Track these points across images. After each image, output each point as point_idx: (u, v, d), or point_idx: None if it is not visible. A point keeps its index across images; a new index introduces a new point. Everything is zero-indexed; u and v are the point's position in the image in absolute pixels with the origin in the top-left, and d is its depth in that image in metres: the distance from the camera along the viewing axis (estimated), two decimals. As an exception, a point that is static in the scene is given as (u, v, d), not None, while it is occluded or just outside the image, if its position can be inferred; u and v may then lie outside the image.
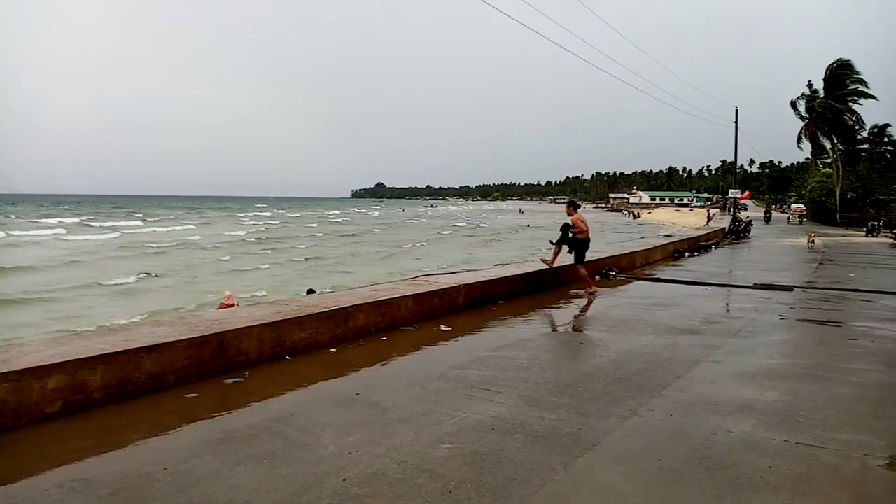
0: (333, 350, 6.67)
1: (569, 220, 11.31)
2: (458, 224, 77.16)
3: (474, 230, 65.90)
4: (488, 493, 3.40)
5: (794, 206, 54.92)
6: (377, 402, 4.94)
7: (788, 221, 51.44)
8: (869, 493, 3.48)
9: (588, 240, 11.43)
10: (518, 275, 11.01)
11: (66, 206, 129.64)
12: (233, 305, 9.91)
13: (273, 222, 79.52)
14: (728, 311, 10.10)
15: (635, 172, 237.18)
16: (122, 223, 69.70)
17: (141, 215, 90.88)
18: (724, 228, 31.72)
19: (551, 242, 11.84)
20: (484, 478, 3.59)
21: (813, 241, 26.08)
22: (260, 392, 5.20)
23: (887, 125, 62.24)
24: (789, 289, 12.40)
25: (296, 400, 5.06)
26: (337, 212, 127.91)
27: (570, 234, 11.27)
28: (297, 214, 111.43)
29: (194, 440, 4.17)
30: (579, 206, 12.00)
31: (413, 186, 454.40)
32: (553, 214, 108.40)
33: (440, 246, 46.69)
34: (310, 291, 11.68)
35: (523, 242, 47.85)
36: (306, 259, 35.10)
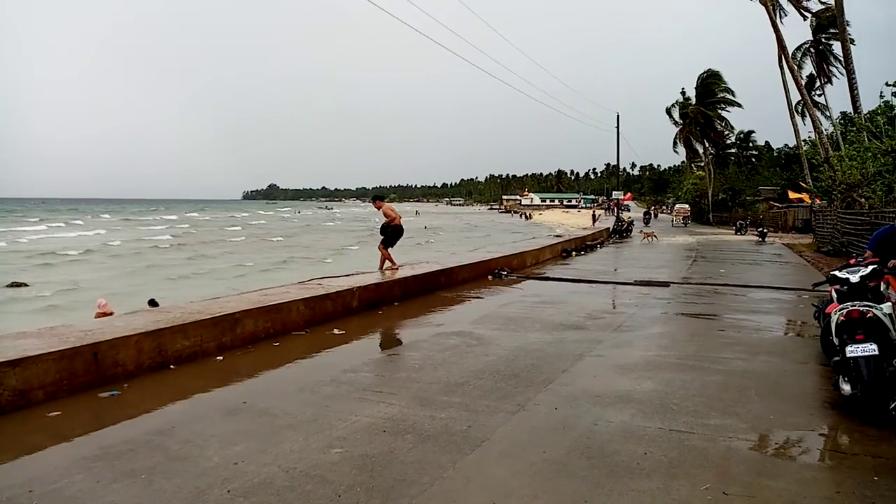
0: (220, 358, 6.45)
1: (379, 212, 12.13)
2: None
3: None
4: (378, 495, 3.41)
5: (677, 206, 51.65)
6: (265, 410, 4.82)
7: (672, 223, 47.85)
8: (732, 472, 3.77)
9: (399, 227, 12.25)
10: (412, 276, 11.08)
11: None
12: (110, 314, 9.34)
13: (182, 226, 75.73)
14: (611, 306, 10.62)
15: (527, 175, 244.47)
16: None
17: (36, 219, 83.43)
18: (608, 228, 33.33)
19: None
20: (374, 480, 3.59)
21: (653, 237, 28.79)
22: (139, 405, 4.94)
23: (752, 132, 67.81)
24: (666, 285, 13.21)
25: (178, 411, 4.85)
26: (246, 214, 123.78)
27: (388, 229, 12.07)
28: (208, 217, 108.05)
29: (65, 459, 3.90)
30: (384, 198, 12.80)
31: (308, 188, 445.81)
32: (454, 216, 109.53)
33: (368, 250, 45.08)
34: (151, 302, 10.82)
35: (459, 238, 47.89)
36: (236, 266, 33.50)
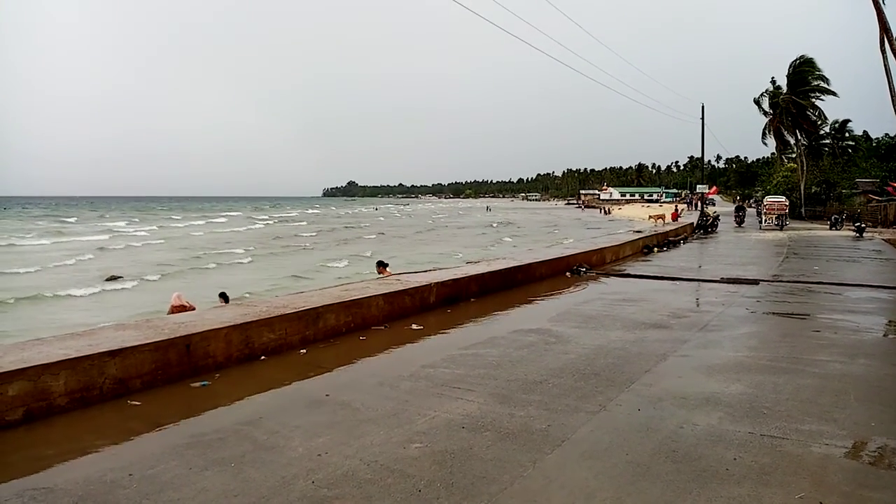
0: (303, 351, 6.63)
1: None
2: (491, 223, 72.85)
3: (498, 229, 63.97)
4: (458, 491, 3.41)
5: (769, 200, 37.37)
6: (347, 403, 4.92)
7: (762, 224, 34.72)
8: (830, 482, 3.56)
9: None
10: (489, 272, 11.05)
11: (43, 207, 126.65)
12: (184, 306, 9.72)
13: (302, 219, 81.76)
14: (696, 305, 10.25)
15: (605, 169, 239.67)
16: (174, 223, 70.90)
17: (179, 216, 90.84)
18: (692, 224, 32.21)
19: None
20: (454, 476, 3.59)
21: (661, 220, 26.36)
22: (228, 395, 5.14)
23: (848, 121, 63.81)
24: (755, 282, 12.64)
25: (265, 402, 5.02)
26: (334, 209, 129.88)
27: None
28: (317, 212, 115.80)
29: (160, 445, 4.11)
30: (387, 266, 12.25)
31: (385, 185, 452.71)
32: (530, 211, 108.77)
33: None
34: (222, 295, 11.14)
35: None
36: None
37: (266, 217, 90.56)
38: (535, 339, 7.19)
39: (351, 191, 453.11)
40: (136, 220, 78.75)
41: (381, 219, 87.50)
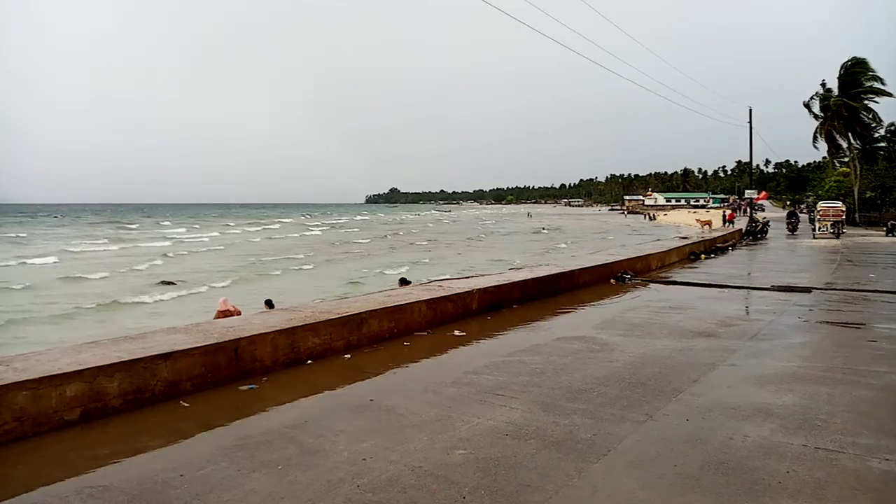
0: (348, 356, 6.70)
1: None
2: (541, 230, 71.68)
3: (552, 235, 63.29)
4: (503, 499, 3.40)
5: (822, 205, 33.49)
6: (391, 408, 4.95)
7: (815, 231, 31.76)
8: (891, 500, 3.43)
9: None
10: (532, 279, 10.99)
11: (89, 214, 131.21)
12: (230, 311, 9.92)
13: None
14: (745, 313, 10.00)
15: (650, 174, 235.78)
16: (230, 230, 73.54)
17: (234, 223, 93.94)
18: (740, 230, 31.45)
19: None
20: (498, 484, 3.58)
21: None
22: (275, 398, 5.23)
23: (905, 123, 61.38)
24: (808, 290, 12.27)
25: (310, 406, 5.08)
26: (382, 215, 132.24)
27: None
28: (366, 218, 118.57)
29: (210, 447, 4.20)
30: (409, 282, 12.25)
31: (427, 191, 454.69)
32: (572, 217, 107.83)
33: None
34: (268, 302, 11.35)
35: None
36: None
37: (319, 223, 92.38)
38: (580, 347, 7.12)
39: (393, 197, 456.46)
40: (197, 226, 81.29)
41: (430, 225, 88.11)
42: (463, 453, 4.03)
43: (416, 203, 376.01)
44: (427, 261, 34.22)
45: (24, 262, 33.88)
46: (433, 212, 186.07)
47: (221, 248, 45.29)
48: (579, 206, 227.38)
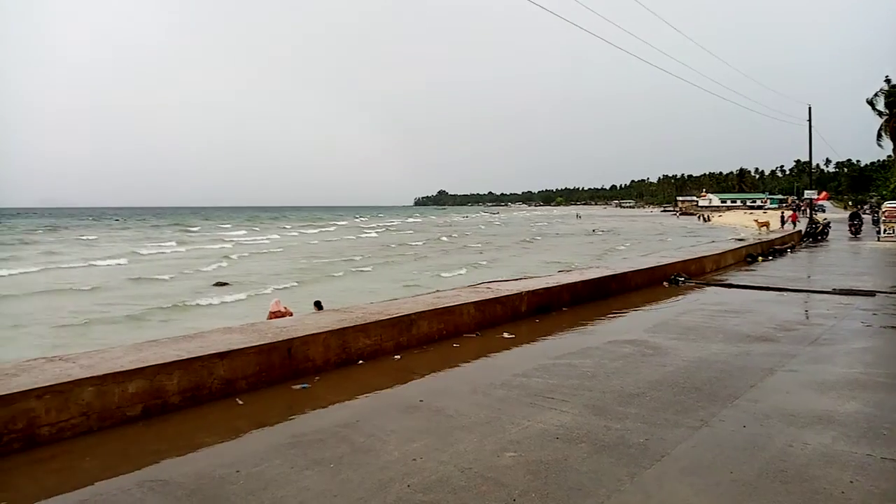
0: (397, 357, 6.75)
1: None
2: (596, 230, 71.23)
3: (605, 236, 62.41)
4: (553, 502, 3.37)
5: (888, 206, 30.22)
6: (441, 409, 4.97)
7: (881, 233, 28.42)
8: (963, 513, 3.26)
9: None
10: (582, 281, 10.87)
11: (147, 218, 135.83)
12: (282, 311, 10.10)
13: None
14: (805, 317, 9.67)
15: (704, 174, 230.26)
16: (288, 232, 75.41)
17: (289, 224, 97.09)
18: (800, 231, 30.42)
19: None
20: (548, 487, 3.55)
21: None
22: (327, 398, 5.32)
23: (979, 119, 58.36)
24: (871, 294, 11.77)
25: (361, 406, 5.15)
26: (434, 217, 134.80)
27: None
28: (418, 220, 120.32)
29: (264, 444, 4.29)
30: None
31: (475, 193, 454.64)
32: (624, 219, 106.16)
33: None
34: (317, 304, 11.53)
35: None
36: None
37: (374, 226, 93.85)
38: (631, 351, 7.01)
39: (441, 199, 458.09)
40: (257, 228, 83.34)
41: (482, 227, 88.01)
42: (513, 455, 4.01)
43: (464, 205, 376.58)
44: (485, 263, 34.09)
45: (104, 264, 35.31)
46: (481, 214, 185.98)
47: (280, 250, 46.18)
48: (630, 207, 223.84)
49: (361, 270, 31.63)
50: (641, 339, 7.59)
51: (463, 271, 29.62)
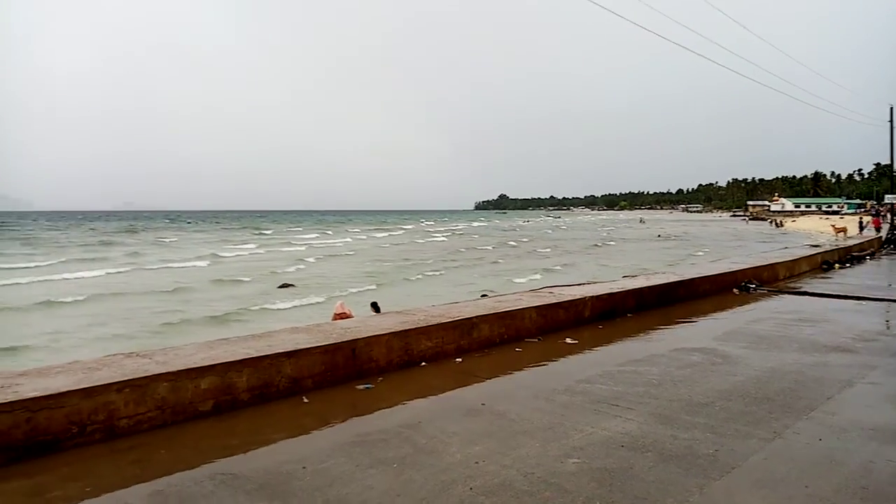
0: (459, 360, 6.77)
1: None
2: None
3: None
4: (618, 511, 3.31)
5: None
6: (503, 413, 4.95)
7: None
8: None
9: None
10: (648, 287, 10.63)
11: (214, 221, 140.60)
12: (346, 313, 10.27)
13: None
14: (886, 327, 9.18)
15: (776, 178, 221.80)
16: (357, 235, 78.25)
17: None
18: (880, 237, 28.91)
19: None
20: (613, 495, 3.49)
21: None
22: (389, 398, 5.38)
23: None
24: (962, 304, 11.07)
25: (423, 408, 5.18)
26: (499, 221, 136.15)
27: None
28: (483, 224, 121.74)
29: (330, 442, 4.38)
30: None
31: (536, 197, 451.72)
32: (691, 224, 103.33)
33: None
34: (374, 305, 11.70)
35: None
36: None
37: (442, 229, 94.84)
38: (700, 359, 6.81)
39: (502, 203, 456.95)
40: (329, 232, 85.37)
41: (548, 231, 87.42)
42: (576, 462, 3.96)
43: (526, 209, 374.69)
44: (558, 268, 33.71)
45: (188, 265, 36.98)
46: (543, 218, 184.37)
47: (352, 253, 47.17)
48: (697, 211, 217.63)
49: (436, 274, 31.75)
50: (710, 348, 7.36)
51: (536, 276, 29.25)
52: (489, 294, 11.66)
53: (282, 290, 25.79)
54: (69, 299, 22.03)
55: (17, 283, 27.46)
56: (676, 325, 9.09)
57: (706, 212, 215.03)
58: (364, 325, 6.80)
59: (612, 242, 58.35)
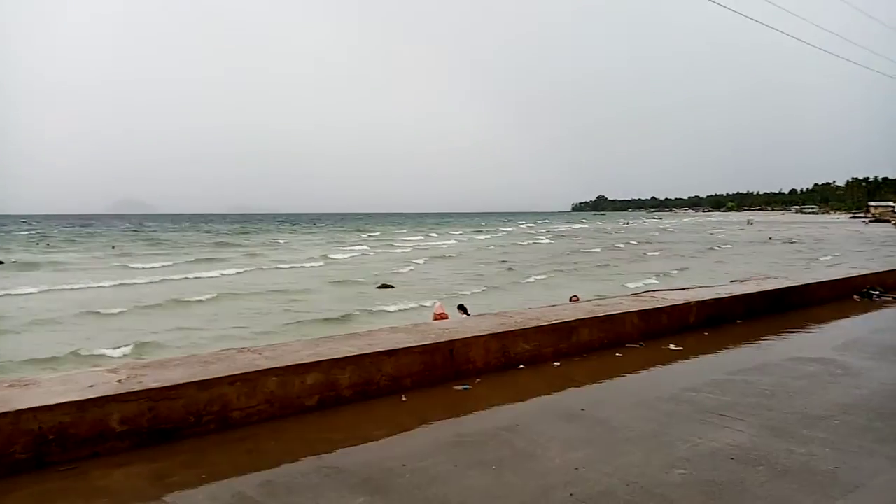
0: (557, 364, 6.67)
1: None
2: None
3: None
4: (728, 526, 3.15)
5: None
6: (603, 420, 4.83)
7: None
8: None
9: None
10: (758, 292, 10.08)
11: (319, 224, 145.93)
12: (444, 315, 10.37)
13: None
14: None
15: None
16: (459, 237, 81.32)
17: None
18: None
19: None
20: (723, 510, 3.33)
21: None
22: (487, 400, 5.38)
23: None
24: None
25: (521, 410, 5.14)
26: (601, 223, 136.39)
27: None
28: (585, 226, 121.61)
29: (429, 441, 4.43)
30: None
31: (636, 198, 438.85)
32: (806, 226, 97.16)
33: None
34: (461, 307, 11.79)
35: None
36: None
37: (545, 231, 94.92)
38: (817, 369, 6.38)
39: (600, 205, 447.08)
40: (434, 234, 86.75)
41: (655, 234, 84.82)
42: (682, 473, 3.81)
43: (625, 210, 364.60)
44: (674, 272, 32.66)
45: (309, 266, 39.04)
46: (644, 220, 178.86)
47: (455, 255, 47.84)
48: (812, 213, 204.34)
49: (543, 279, 31.45)
50: (828, 358, 6.88)
51: (652, 280, 28.22)
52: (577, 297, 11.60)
53: (382, 290, 26.43)
54: (195, 298, 23.56)
55: (149, 283, 29.84)
56: (790, 333, 8.57)
57: (822, 213, 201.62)
58: (462, 326, 6.84)
59: (727, 245, 55.51)
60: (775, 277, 12.50)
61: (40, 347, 15.34)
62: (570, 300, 11.58)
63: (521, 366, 6.51)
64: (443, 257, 45.49)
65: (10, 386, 4.34)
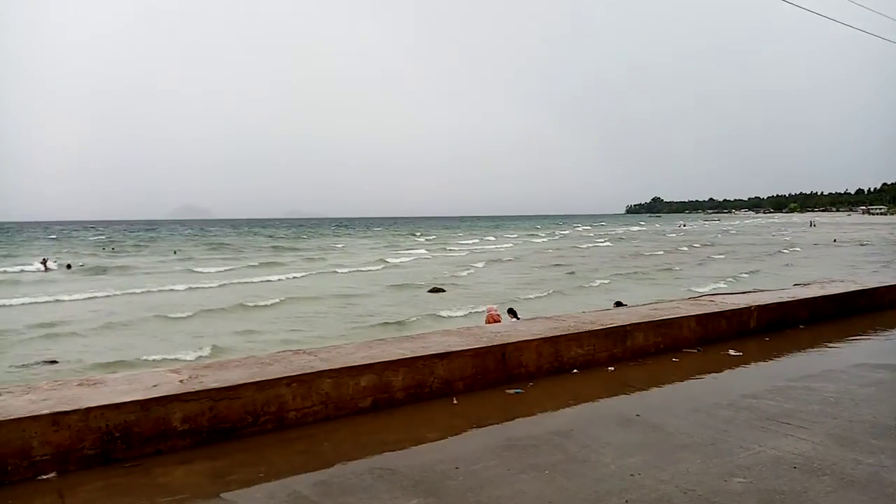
0: (611, 368, 6.58)
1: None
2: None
3: None
4: (791, 538, 3.05)
5: None
6: (659, 425, 4.74)
7: None
8: None
9: None
10: (822, 296, 9.71)
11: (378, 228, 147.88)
12: (496, 318, 10.34)
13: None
14: None
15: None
16: (515, 239, 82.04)
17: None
18: None
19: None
20: (785, 520, 3.22)
21: None
22: (539, 404, 5.34)
23: None
24: None
25: (575, 415, 5.10)
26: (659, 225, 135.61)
27: None
28: (643, 229, 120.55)
29: (480, 444, 4.43)
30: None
31: (693, 200, 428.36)
32: (874, 227, 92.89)
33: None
34: (510, 311, 11.81)
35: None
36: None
37: (602, 234, 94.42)
38: (886, 377, 6.11)
39: (655, 207, 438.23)
40: (491, 238, 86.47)
41: (718, 236, 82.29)
42: (742, 482, 3.70)
43: (681, 212, 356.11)
44: (745, 275, 31.58)
45: (365, 270, 39.70)
46: (702, 222, 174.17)
47: (512, 259, 47.66)
48: (881, 214, 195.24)
49: (611, 282, 30.95)
50: (899, 365, 6.58)
51: (721, 285, 27.25)
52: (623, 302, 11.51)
53: (438, 294, 26.53)
54: (260, 303, 24.13)
55: (215, 286, 30.73)
56: (857, 339, 8.23)
57: (892, 213, 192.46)
58: (514, 329, 6.82)
59: (797, 248, 53.39)
60: (841, 281, 12.01)
61: (110, 352, 15.97)
62: (615, 306, 11.41)
63: (575, 370, 6.45)
64: (500, 261, 45.38)
65: (79, 385, 4.55)
